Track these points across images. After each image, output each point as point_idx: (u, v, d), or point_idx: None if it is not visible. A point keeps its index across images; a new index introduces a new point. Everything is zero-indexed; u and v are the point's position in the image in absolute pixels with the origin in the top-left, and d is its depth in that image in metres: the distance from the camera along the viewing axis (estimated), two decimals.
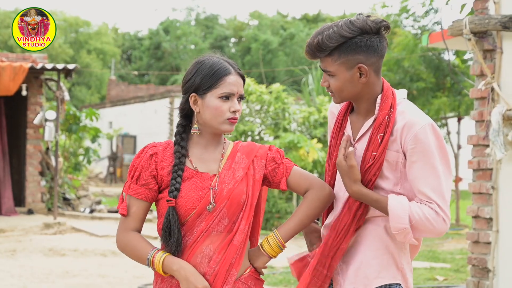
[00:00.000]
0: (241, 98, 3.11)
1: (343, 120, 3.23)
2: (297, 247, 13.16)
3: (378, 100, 3.08)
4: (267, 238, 3.15)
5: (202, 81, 3.05)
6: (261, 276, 3.20)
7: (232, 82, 3.06)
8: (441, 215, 2.95)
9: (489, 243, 6.34)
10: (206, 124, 3.08)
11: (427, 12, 16.87)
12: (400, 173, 3.05)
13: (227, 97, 3.04)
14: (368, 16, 3.05)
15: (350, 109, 3.22)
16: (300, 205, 3.20)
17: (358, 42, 3.01)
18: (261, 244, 3.15)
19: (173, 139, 3.16)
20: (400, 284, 3.08)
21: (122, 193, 3.10)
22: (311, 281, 3.11)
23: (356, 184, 3.02)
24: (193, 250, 3.02)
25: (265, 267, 3.21)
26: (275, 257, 3.17)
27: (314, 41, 3.04)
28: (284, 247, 3.17)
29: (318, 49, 3.03)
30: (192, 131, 3.10)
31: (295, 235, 3.18)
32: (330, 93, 3.13)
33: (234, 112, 3.06)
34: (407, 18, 17.14)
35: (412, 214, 2.95)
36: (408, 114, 3.04)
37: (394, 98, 3.08)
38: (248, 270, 3.12)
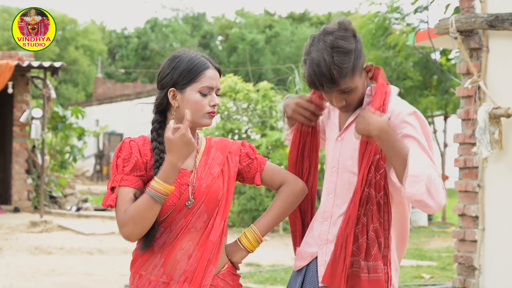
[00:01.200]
0: (218, 92, 3.11)
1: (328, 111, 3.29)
2: (284, 245, 13.17)
3: (367, 91, 3.11)
4: (245, 233, 3.18)
5: (180, 75, 3.05)
6: (248, 274, 3.21)
7: (211, 76, 3.06)
8: (445, 190, 2.92)
9: (475, 241, 6.36)
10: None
11: (416, 10, 16.87)
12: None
13: (207, 91, 3.04)
14: (340, 21, 3.05)
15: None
16: (275, 200, 3.25)
17: (358, 46, 3.03)
18: (239, 239, 3.18)
19: (148, 134, 3.14)
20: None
21: (111, 188, 3.00)
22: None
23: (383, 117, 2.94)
24: (173, 247, 3.01)
25: (240, 262, 3.22)
26: (253, 251, 3.21)
27: (328, 73, 2.97)
28: (262, 241, 3.20)
29: (340, 76, 2.98)
30: (173, 125, 3.04)
31: (272, 229, 3.23)
32: (341, 109, 3.12)
33: (214, 106, 3.06)
34: (400, 17, 17.14)
35: (430, 169, 2.90)
36: (395, 105, 3.06)
37: (387, 94, 3.08)
38: (226, 266, 3.14)
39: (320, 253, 3.14)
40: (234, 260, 3.17)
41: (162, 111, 3.12)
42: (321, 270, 3.11)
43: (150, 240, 3.01)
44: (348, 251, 3.00)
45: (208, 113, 3.04)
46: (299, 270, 3.25)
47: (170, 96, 3.06)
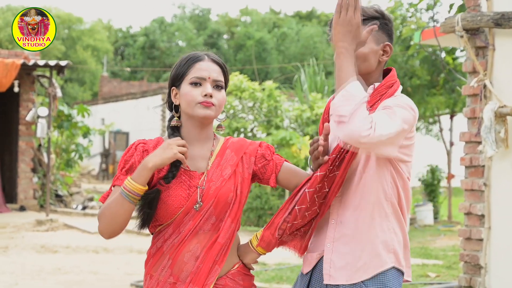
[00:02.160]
0: (219, 86, 3.06)
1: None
2: None
3: (370, 90, 3.10)
4: (256, 235, 3.13)
5: (176, 72, 3.07)
6: (254, 272, 3.18)
7: (202, 68, 3.04)
8: (374, 125, 2.81)
9: (481, 240, 6.34)
10: (187, 115, 3.06)
11: (428, 8, 16.80)
12: None
13: (197, 82, 3.02)
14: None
15: None
16: None
17: (389, 24, 3.15)
18: (250, 241, 3.14)
19: (164, 136, 3.15)
20: (394, 267, 3.07)
21: (111, 187, 3.05)
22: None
23: (347, 42, 2.92)
24: (180, 249, 3.00)
25: (256, 262, 3.19)
26: (264, 254, 3.15)
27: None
28: None
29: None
30: (171, 123, 3.08)
31: None
32: None
33: (206, 96, 3.01)
34: (412, 15, 17.05)
35: (364, 99, 2.85)
36: (398, 98, 3.07)
37: (387, 94, 3.08)
38: (236, 266, 3.11)
39: (326, 251, 3.12)
40: (245, 262, 3.14)
41: (177, 110, 3.12)
42: (326, 267, 3.09)
43: (142, 224, 3.01)
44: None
45: (200, 103, 3.01)
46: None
47: (172, 95, 3.09)
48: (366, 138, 2.80)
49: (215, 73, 3.05)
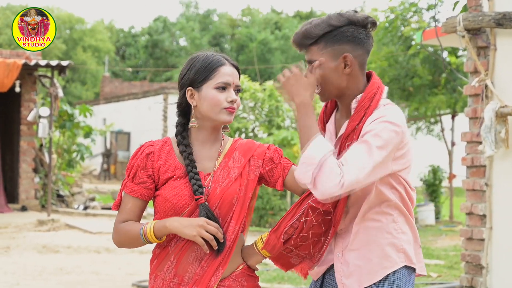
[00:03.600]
0: (238, 90, 3.09)
1: (324, 114, 3.22)
2: None
3: (353, 105, 3.03)
4: (261, 237, 3.11)
5: (196, 74, 3.05)
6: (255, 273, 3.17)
7: (227, 73, 3.05)
8: (343, 175, 2.81)
9: (482, 240, 6.34)
10: (205, 117, 3.06)
11: (429, 7, 16.78)
12: None
13: (223, 87, 3.04)
14: (356, 11, 3.05)
15: (334, 106, 3.20)
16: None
17: (345, 32, 3.00)
18: (255, 243, 3.12)
19: (168, 135, 3.15)
20: (405, 265, 3.08)
21: (120, 192, 3.10)
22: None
23: (308, 95, 2.98)
24: (185, 250, 3.01)
25: (260, 262, 3.19)
26: (269, 257, 3.12)
27: (301, 30, 3.05)
28: None
29: (305, 36, 3.03)
30: (190, 125, 3.08)
31: None
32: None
33: (232, 102, 3.04)
34: (414, 14, 17.03)
35: (329, 159, 2.83)
36: (382, 113, 2.96)
37: (371, 107, 2.99)
38: (240, 267, 3.10)
39: (336, 260, 3.10)
40: (249, 264, 3.13)
41: (185, 113, 3.13)
42: (338, 277, 3.07)
43: (220, 249, 3.01)
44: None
45: (225, 108, 3.03)
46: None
47: (188, 95, 3.07)
48: (340, 191, 2.82)
49: (237, 78, 3.09)
